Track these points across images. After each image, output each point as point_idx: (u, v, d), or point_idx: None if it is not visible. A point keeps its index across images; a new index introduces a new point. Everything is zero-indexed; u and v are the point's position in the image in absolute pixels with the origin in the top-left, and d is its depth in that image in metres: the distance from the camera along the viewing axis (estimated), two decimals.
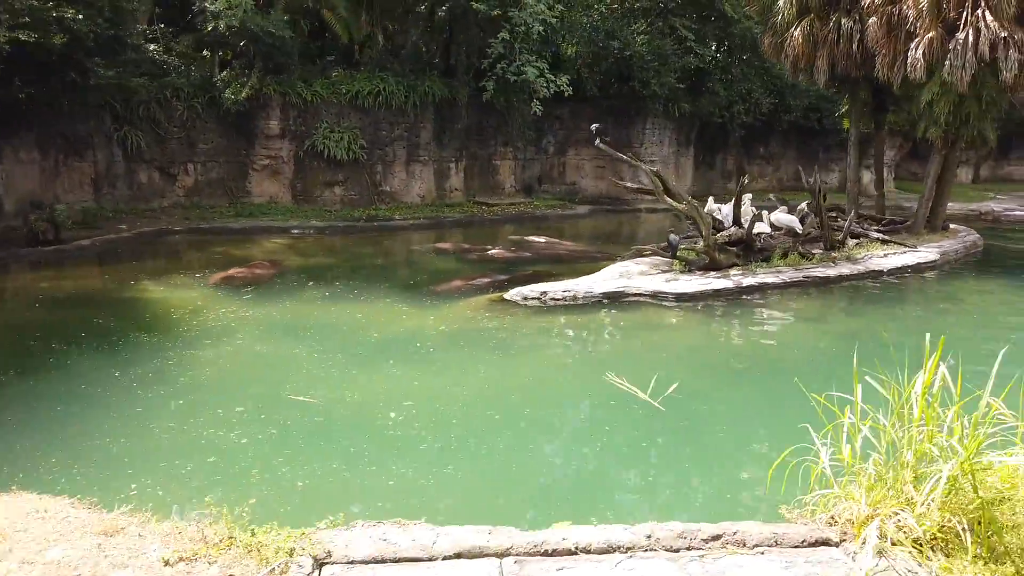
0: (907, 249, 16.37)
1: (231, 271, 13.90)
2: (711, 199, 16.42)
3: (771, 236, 14.90)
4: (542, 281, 13.07)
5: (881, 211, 21.18)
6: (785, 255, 14.56)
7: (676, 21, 28.74)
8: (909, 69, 16.33)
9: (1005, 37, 15.44)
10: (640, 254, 14.38)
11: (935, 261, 16.02)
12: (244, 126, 23.07)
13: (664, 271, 13.74)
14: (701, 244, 13.59)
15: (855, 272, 14.47)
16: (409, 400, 7.74)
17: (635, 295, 12.35)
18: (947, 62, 15.85)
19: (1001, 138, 46.44)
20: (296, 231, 20.32)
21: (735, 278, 13.19)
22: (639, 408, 7.49)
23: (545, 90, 22.74)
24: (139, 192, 22.21)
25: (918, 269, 15.52)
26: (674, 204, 13.83)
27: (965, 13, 15.72)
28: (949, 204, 30.89)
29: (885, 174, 18.46)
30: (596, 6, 28.76)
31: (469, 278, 13.71)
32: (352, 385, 8.29)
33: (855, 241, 16.54)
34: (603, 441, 7.12)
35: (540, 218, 25.86)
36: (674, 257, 13.88)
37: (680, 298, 12.21)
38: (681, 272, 13.66)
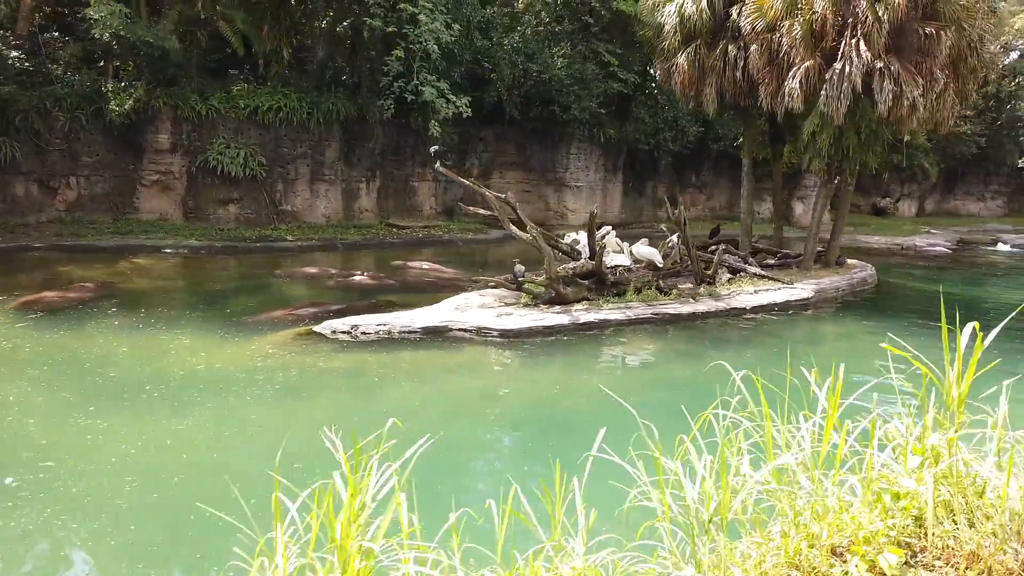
0: (782, 286, 15.73)
1: (43, 293, 12.96)
2: (577, 232, 15.73)
3: (628, 269, 14.18)
4: (384, 311, 12.29)
5: (779, 244, 20.60)
6: (639, 290, 13.84)
7: (600, 46, 28.25)
8: (787, 99, 15.79)
9: (881, 68, 14.96)
10: (486, 285, 13.59)
11: (808, 299, 15.39)
12: (132, 139, 22.17)
13: (508, 304, 12.97)
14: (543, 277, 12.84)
15: (714, 309, 13.78)
16: (115, 456, 6.84)
17: (460, 330, 11.55)
18: (823, 92, 15.34)
19: (947, 172, 47.01)
20: (168, 250, 19.39)
21: (576, 314, 12.44)
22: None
23: (446, 111, 22.00)
24: (14, 205, 21.17)
25: (787, 307, 14.87)
26: (518, 233, 13.06)
27: (843, 43, 15.22)
28: (875, 238, 30.65)
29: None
30: (519, 28, 28.21)
31: (297, 307, 12.86)
32: (59, 433, 7.38)
33: (729, 276, 15.88)
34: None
35: (446, 243, 25.12)
36: (519, 289, 13.11)
37: (505, 335, 11.41)
38: (526, 305, 12.90)
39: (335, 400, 8.96)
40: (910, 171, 41.89)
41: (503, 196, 14.33)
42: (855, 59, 14.86)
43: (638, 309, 13.07)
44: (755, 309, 14.31)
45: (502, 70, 27.79)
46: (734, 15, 16.71)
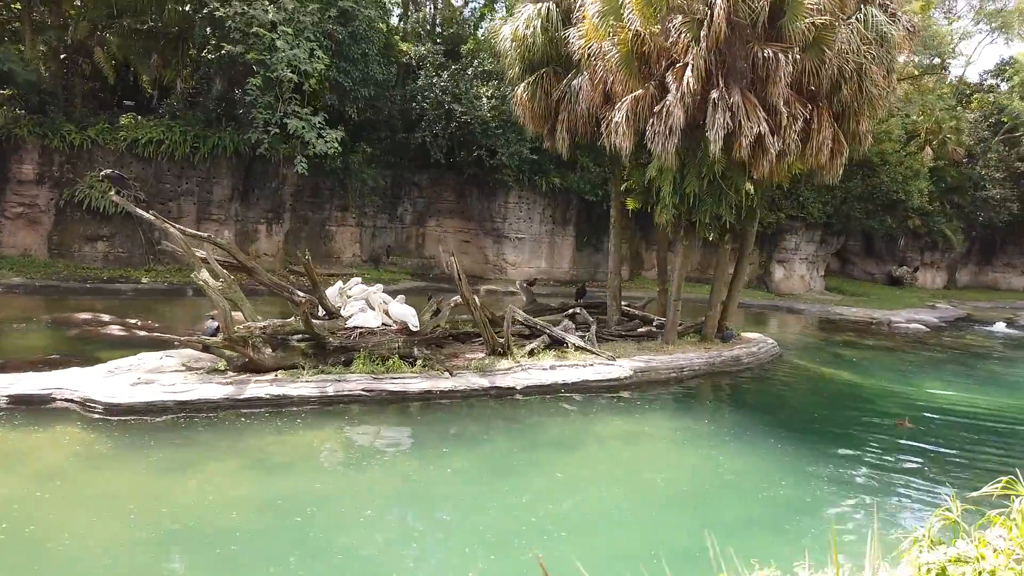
0: (597, 361, 12.76)
1: None
2: (356, 279, 13.24)
3: (372, 332, 11.51)
4: (42, 370, 10.12)
5: (662, 310, 17.43)
6: (385, 359, 11.18)
7: None
8: (614, 136, 13.07)
9: (715, 98, 12.12)
10: (184, 344, 11.13)
11: (622, 379, 12.37)
12: None
13: (195, 370, 10.52)
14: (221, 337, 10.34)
15: (464, 388, 10.98)
16: None
17: (65, 400, 9.19)
18: (649, 128, 12.57)
19: (983, 241, 42.22)
20: None
21: (245, 386, 9.89)
22: None
23: (317, 145, 20.00)
24: None
25: (586, 388, 11.92)
26: (201, 278, 10.63)
27: (685, 72, 12.43)
28: (854, 310, 26.84)
29: (678, 265, 14.87)
30: (456, 66, 26.25)
31: None
32: None
33: (532, 345, 13.01)
34: None
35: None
36: (205, 349, 10.65)
37: (112, 411, 8.96)
38: (212, 372, 10.43)
39: None
40: (930, 238, 37.64)
41: (206, 236, 12.03)
42: (681, 89, 12.08)
43: (353, 383, 10.42)
44: (530, 390, 11.43)
45: (428, 110, 25.88)
46: (573, 38, 14.14)
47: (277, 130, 19.62)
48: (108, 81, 22.21)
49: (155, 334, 13.54)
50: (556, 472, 8.86)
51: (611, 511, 7.74)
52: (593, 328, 14.56)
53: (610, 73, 12.81)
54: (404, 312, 11.65)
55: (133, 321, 14.95)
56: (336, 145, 20.01)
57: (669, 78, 12.22)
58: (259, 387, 9.89)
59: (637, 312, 16.70)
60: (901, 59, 13.38)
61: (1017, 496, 3.94)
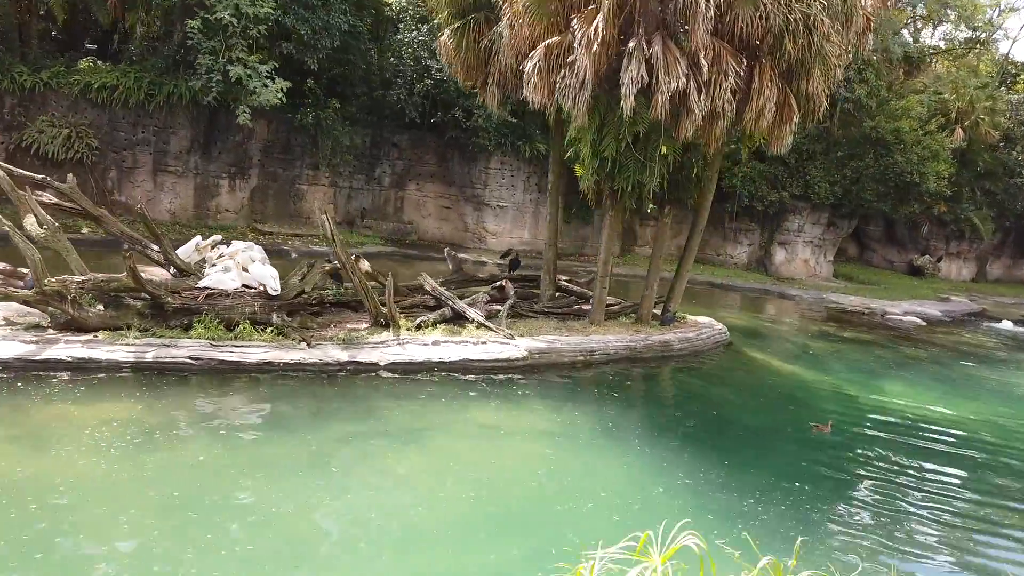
0: (491, 339, 11.48)
1: None
2: (245, 243, 12.10)
3: (226, 294, 10.40)
4: None
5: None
6: (233, 324, 10.10)
7: None
8: (525, 90, 11.65)
9: (631, 49, 10.62)
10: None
11: (509, 360, 11.10)
12: None
13: (20, 324, 9.59)
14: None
15: (318, 361, 9.85)
16: None
17: None
18: (559, 80, 11.11)
19: (1019, 232, 39.35)
20: None
21: (50, 345, 8.90)
22: None
23: (260, 97, 18.86)
24: None
25: (463, 367, 10.71)
26: (6, 225, 9.58)
27: (596, 17, 10.93)
28: (852, 299, 24.93)
29: (605, 239, 13.48)
30: (429, 17, 24.79)
31: None
32: None
33: (424, 317, 11.76)
34: None
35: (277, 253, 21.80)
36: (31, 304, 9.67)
37: None
38: (43, 328, 9.50)
39: None
40: (956, 227, 35.14)
41: (40, 177, 11.06)
42: (588, 35, 10.58)
43: (182, 349, 9.36)
44: (397, 367, 10.26)
45: (407, 66, 24.58)
46: None
47: (220, 78, 18.50)
48: (59, 22, 21.32)
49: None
50: (390, 470, 7.64)
51: (441, 526, 6.49)
52: (508, 303, 13.26)
53: (517, 17, 11.35)
54: (263, 274, 10.53)
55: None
56: (280, 95, 18.80)
57: (575, 23, 10.71)
58: (66, 348, 8.89)
59: (575, 288, 15.33)
60: (868, 5, 11.63)
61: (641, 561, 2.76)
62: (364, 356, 10.20)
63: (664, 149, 11.37)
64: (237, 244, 11.58)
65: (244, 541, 5.90)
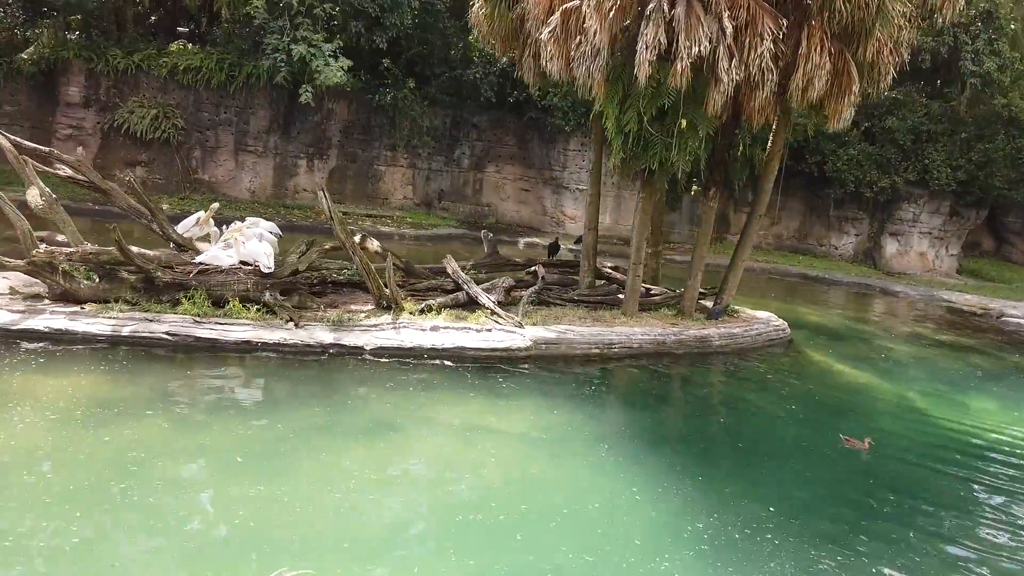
0: (497, 327, 10.73)
1: None
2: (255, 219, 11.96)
3: (219, 270, 10.18)
4: None
5: (654, 275, 14.78)
6: (223, 302, 9.92)
7: None
8: (543, 60, 10.77)
9: (650, 10, 9.52)
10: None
11: (510, 349, 10.29)
12: (46, 90, 21.85)
13: (23, 295, 9.82)
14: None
15: (299, 342, 9.47)
16: None
17: None
18: (574, 49, 10.16)
19: None
20: None
21: (32, 316, 8.99)
22: None
23: (328, 76, 18.84)
24: None
25: (457, 356, 10.03)
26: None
27: None
28: (968, 297, 22.20)
29: (638, 223, 12.45)
30: None
31: None
32: None
33: (432, 301, 11.16)
34: None
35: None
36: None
37: None
38: (41, 298, 9.69)
39: None
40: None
41: (48, 150, 11.20)
42: None
43: (162, 325, 9.25)
44: (383, 352, 9.75)
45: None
46: None
47: (284, 57, 18.62)
48: (147, 5, 22.25)
49: None
50: (338, 464, 7.03)
51: (353, 534, 5.87)
52: (532, 288, 12.48)
53: None
54: (255, 250, 10.27)
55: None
56: (340, 74, 18.69)
57: None
58: (47, 319, 8.96)
59: (618, 276, 14.26)
60: None
61: None
62: (350, 339, 9.74)
63: (685, 124, 10.14)
64: (257, 221, 11.44)
65: (139, 530, 5.54)
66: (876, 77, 10.72)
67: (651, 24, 9.39)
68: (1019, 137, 23.90)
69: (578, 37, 10.13)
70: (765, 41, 9.50)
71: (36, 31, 21.13)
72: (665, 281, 15.04)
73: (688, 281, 13.10)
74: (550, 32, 10.42)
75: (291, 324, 9.82)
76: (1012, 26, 24.35)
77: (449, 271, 12.29)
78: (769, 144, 13.18)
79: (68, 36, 21.27)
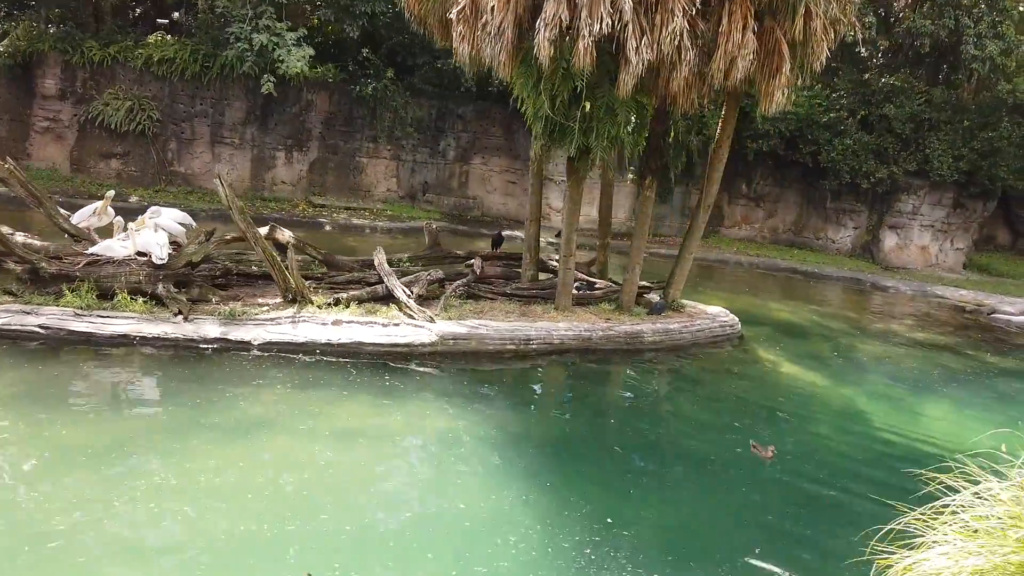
0: (405, 321, 10.24)
1: None
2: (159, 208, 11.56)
3: (111, 261, 9.83)
4: None
5: (601, 269, 14.17)
6: (112, 294, 9.59)
7: None
8: (456, 42, 10.22)
9: None
10: None
11: (412, 345, 9.79)
12: (23, 83, 21.86)
13: None
14: None
15: (181, 336, 9.09)
16: None
17: None
18: (479, 29, 9.60)
19: None
20: None
21: None
22: None
23: (288, 65, 18.48)
24: None
25: (354, 351, 9.56)
26: None
27: None
28: (963, 292, 21.12)
29: (566, 210, 11.81)
30: None
31: None
32: None
33: (344, 294, 10.69)
34: None
35: (314, 225, 21.56)
36: None
37: None
38: None
39: None
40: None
41: None
42: None
43: (37, 319, 8.93)
44: (272, 347, 9.33)
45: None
46: None
47: (247, 46, 18.30)
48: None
49: None
50: (189, 472, 6.64)
51: (168, 549, 5.47)
52: (458, 283, 11.96)
53: None
54: (148, 241, 9.91)
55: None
56: (303, 64, 18.31)
57: None
58: None
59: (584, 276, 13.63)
60: None
61: None
62: (239, 334, 9.34)
63: (588, 107, 9.52)
64: (153, 209, 11.07)
65: None
66: (811, 56, 9.98)
67: (551, 1, 8.80)
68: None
69: (484, 17, 9.56)
70: (676, 18, 8.84)
71: (12, 24, 21.09)
72: (646, 276, 14.38)
73: (626, 276, 12.46)
74: (458, 11, 9.88)
75: (179, 317, 9.44)
76: (1021, 7, 23.11)
77: (375, 263, 11.84)
78: (718, 131, 12.50)
79: (45, 28, 21.17)
